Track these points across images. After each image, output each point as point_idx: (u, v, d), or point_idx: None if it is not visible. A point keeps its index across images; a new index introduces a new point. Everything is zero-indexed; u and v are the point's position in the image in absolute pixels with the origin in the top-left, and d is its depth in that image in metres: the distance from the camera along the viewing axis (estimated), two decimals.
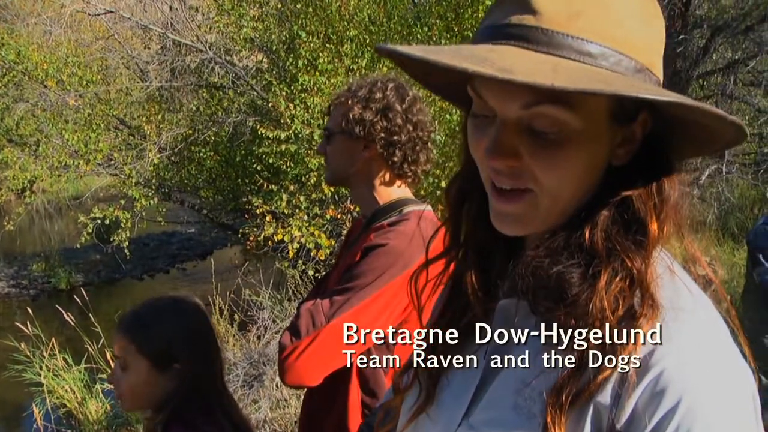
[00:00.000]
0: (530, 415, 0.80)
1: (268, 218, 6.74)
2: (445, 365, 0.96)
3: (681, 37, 8.70)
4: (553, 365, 0.79)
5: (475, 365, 0.92)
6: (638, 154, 0.81)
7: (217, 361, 1.84)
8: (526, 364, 0.83)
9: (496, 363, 0.89)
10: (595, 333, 0.76)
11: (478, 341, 0.93)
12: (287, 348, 1.79)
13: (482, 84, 0.80)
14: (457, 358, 0.95)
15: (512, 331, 0.88)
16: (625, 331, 0.76)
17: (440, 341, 0.97)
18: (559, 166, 0.78)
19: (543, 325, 0.81)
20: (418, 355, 1.01)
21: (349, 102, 1.92)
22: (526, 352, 0.84)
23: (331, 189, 6.26)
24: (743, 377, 0.76)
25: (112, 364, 1.81)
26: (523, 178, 0.80)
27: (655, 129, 0.81)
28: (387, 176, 1.97)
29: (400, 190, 1.99)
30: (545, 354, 0.80)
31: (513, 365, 0.86)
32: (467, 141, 0.88)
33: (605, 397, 0.75)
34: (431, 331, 1.00)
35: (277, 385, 5.15)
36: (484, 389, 0.89)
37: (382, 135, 1.90)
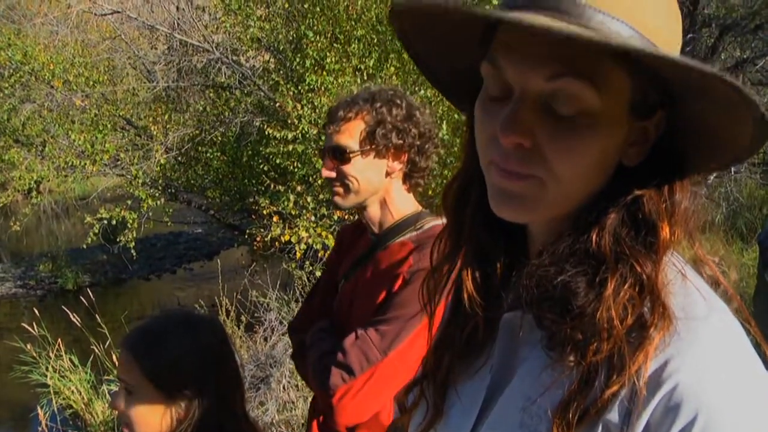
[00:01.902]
0: None
1: (275, 219, 6.73)
2: (452, 381, 0.93)
3: (689, 36, 8.66)
4: (559, 381, 0.75)
5: (482, 381, 0.89)
6: (649, 157, 0.77)
7: (237, 387, 1.62)
8: (532, 381, 0.80)
9: (502, 379, 0.86)
10: (603, 346, 0.72)
11: (483, 356, 0.90)
12: (341, 388, 1.66)
13: (503, 53, 0.75)
14: (464, 374, 0.92)
15: (517, 345, 0.85)
16: (635, 342, 0.72)
17: (446, 357, 0.95)
18: (575, 152, 0.73)
19: (548, 340, 0.78)
20: (425, 372, 0.98)
21: (367, 114, 1.76)
22: (532, 367, 0.81)
23: None
24: (764, 387, 0.71)
25: (118, 366, 1.65)
26: (532, 163, 0.74)
27: (666, 134, 0.77)
28: (404, 187, 1.85)
29: (411, 203, 1.87)
30: (551, 370, 0.77)
31: (519, 381, 0.83)
32: (469, 138, 0.84)
33: (614, 415, 0.71)
34: (437, 347, 0.98)
35: (283, 387, 5.13)
36: (491, 406, 0.86)
37: (417, 143, 1.79)
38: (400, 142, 1.77)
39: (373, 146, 1.76)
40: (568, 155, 0.73)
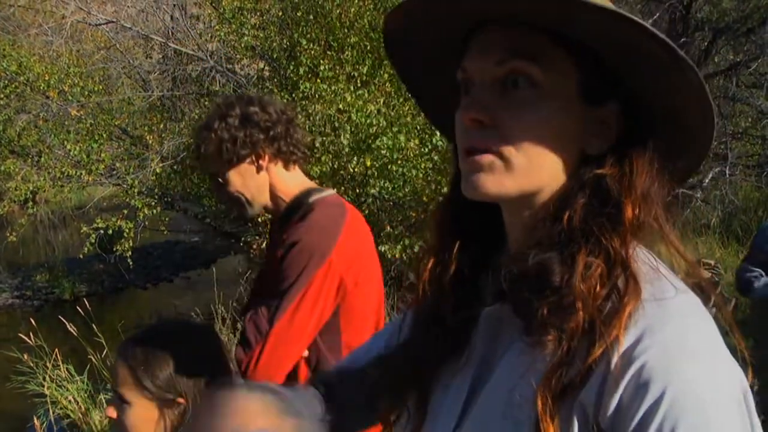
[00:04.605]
0: (517, 422, 0.78)
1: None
2: (433, 385, 0.94)
3: (682, 40, 8.70)
4: (538, 360, 0.77)
5: (464, 378, 0.90)
6: (615, 146, 0.82)
7: None
8: (512, 369, 0.82)
9: (484, 373, 0.88)
10: (579, 315, 0.75)
11: (464, 356, 0.91)
12: (243, 360, 1.84)
13: (466, 58, 0.84)
14: (445, 375, 0.93)
15: (498, 339, 0.87)
16: (610, 312, 0.75)
17: (424, 362, 0.95)
18: (526, 119, 0.79)
19: (527, 324, 0.80)
20: (406, 373, 0.98)
21: (213, 137, 1.93)
22: (512, 357, 0.83)
23: None
24: (728, 366, 0.74)
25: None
26: (490, 137, 0.80)
27: (633, 126, 0.82)
28: (283, 170, 2.01)
29: (297, 180, 2.04)
30: (530, 355, 0.78)
31: (499, 372, 0.85)
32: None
33: (588, 394, 0.73)
34: (415, 352, 0.98)
35: None
36: (474, 401, 0.87)
37: (268, 133, 1.94)
38: (248, 147, 1.93)
39: (233, 161, 1.95)
40: (520, 121, 0.80)
